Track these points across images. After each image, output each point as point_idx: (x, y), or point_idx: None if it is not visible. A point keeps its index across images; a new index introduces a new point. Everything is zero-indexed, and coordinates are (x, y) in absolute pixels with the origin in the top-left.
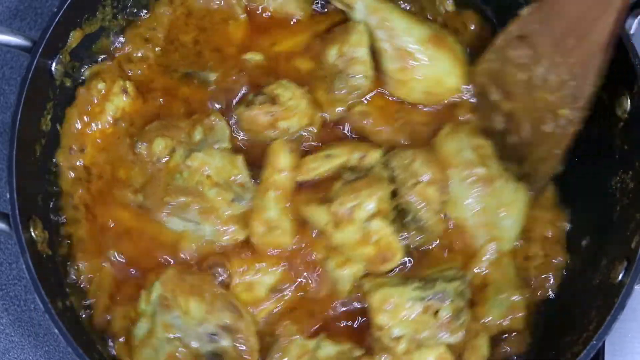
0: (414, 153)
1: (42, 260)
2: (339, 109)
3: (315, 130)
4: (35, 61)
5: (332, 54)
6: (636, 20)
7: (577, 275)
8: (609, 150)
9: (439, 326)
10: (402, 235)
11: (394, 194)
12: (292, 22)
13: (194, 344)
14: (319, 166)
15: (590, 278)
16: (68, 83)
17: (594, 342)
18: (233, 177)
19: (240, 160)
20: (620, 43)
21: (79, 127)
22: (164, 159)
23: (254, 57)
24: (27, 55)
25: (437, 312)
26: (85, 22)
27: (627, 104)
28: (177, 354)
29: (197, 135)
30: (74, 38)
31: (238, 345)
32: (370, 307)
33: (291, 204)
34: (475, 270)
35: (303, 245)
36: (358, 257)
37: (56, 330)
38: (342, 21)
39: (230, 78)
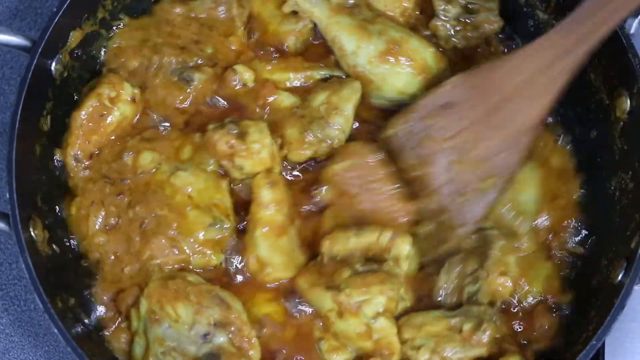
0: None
1: (42, 260)
2: (307, 152)
3: None
4: (35, 61)
5: (319, 98)
6: (636, 21)
7: (576, 275)
8: (608, 150)
9: (462, 340)
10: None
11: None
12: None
13: (191, 350)
14: (347, 243)
15: (590, 278)
16: (69, 84)
17: (594, 342)
18: (215, 201)
19: (224, 184)
20: (620, 43)
21: (83, 132)
22: (147, 172)
23: (244, 72)
24: (26, 55)
25: (461, 330)
26: (85, 22)
27: (627, 104)
28: None
29: (185, 153)
30: (74, 38)
31: (233, 337)
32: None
33: (293, 280)
34: (517, 245)
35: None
36: (353, 347)
37: (56, 330)
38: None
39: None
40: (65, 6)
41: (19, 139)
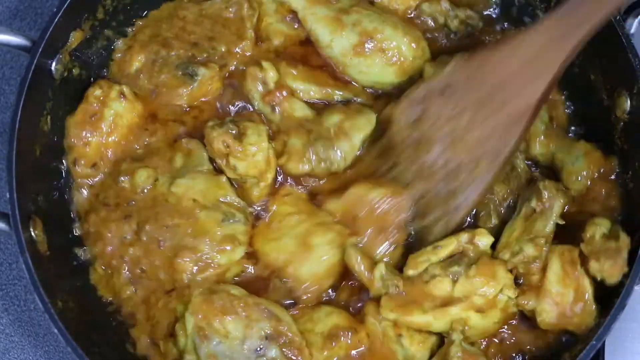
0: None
1: (42, 260)
2: (305, 166)
3: (262, 186)
4: (35, 61)
5: (333, 119)
6: (636, 21)
7: None
8: (608, 150)
9: (541, 211)
10: None
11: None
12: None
13: None
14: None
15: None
16: (69, 85)
17: (594, 342)
18: (221, 198)
19: (224, 179)
20: (620, 43)
21: (81, 139)
22: (147, 189)
23: (269, 70)
24: (27, 55)
25: (534, 210)
26: (84, 22)
27: (627, 104)
28: None
29: (178, 161)
30: (74, 38)
31: (286, 349)
32: (495, 259)
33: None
34: (540, 152)
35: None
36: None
37: (56, 330)
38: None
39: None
40: (65, 6)
41: (19, 139)
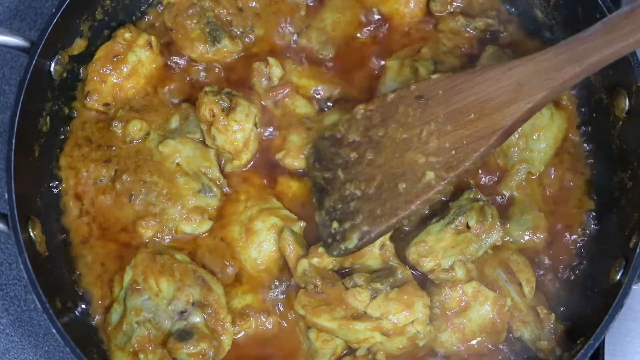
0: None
1: (41, 260)
2: (301, 162)
3: (235, 164)
4: (34, 62)
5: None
6: None
7: (575, 275)
8: (607, 149)
9: (477, 234)
10: None
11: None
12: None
13: (165, 324)
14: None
15: (589, 277)
16: (68, 85)
17: (592, 341)
18: (203, 169)
19: (212, 154)
20: None
21: (99, 74)
22: (137, 141)
23: (274, 66)
24: (26, 55)
25: (467, 226)
26: (83, 23)
27: (626, 103)
28: (148, 336)
29: (174, 123)
30: (77, 45)
31: (209, 319)
32: (414, 265)
33: (297, 317)
34: (504, 192)
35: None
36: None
37: (54, 331)
38: None
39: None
40: (64, 7)
41: (17, 139)
